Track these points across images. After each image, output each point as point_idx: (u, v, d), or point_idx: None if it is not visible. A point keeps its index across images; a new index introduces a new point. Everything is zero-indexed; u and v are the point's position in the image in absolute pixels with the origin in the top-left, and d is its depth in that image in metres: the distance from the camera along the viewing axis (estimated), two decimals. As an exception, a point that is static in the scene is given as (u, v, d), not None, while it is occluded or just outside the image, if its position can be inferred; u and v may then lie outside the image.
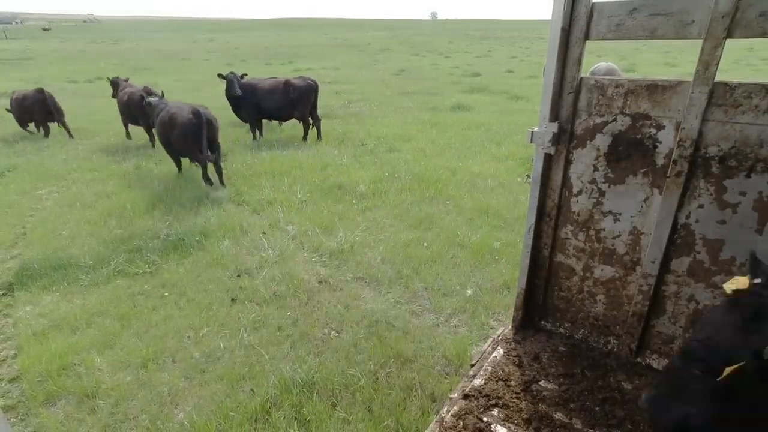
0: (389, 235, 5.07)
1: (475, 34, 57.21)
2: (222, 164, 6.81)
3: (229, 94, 8.84)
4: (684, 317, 2.41)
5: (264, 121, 9.70)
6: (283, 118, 9.34)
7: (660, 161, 2.24)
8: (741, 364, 1.28)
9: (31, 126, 10.35)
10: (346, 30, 71.92)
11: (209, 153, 6.49)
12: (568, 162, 2.51)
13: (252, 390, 2.96)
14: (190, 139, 6.36)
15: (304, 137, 9.26)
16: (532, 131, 2.48)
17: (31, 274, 4.44)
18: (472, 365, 2.71)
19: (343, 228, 5.24)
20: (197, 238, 5.01)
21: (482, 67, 22.71)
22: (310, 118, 9.24)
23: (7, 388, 3.12)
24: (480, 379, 2.53)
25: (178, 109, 6.62)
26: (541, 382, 2.49)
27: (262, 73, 21.33)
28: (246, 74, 9.27)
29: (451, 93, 14.97)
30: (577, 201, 2.56)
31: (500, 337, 2.91)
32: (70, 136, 9.92)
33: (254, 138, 9.38)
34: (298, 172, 7.16)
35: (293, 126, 10.39)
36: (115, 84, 9.92)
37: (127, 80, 10.05)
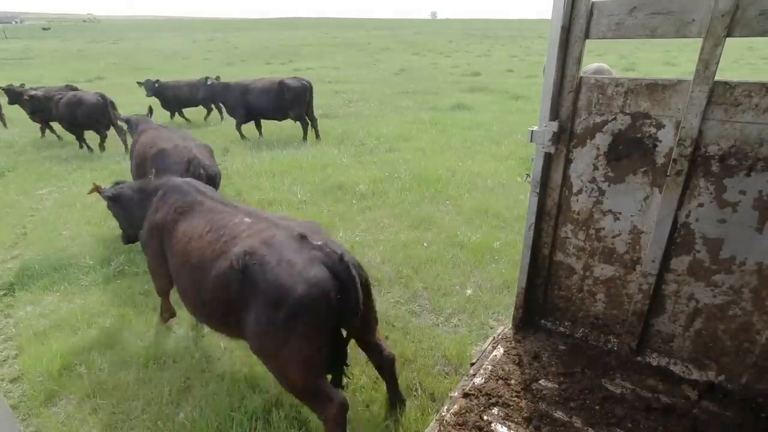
0: (389, 235, 5.07)
1: (476, 34, 57.19)
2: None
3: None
4: (684, 316, 2.41)
5: (267, 123, 9.77)
6: (277, 118, 9.48)
7: (660, 160, 2.24)
8: None
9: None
10: (346, 29, 71.95)
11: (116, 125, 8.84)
12: (568, 161, 2.51)
13: (252, 390, 2.97)
14: (96, 116, 8.59)
15: (304, 137, 9.30)
16: (532, 130, 2.48)
17: (31, 274, 4.44)
18: (472, 364, 2.71)
19: (343, 228, 5.24)
20: (197, 238, 5.00)
21: (482, 67, 22.71)
22: (307, 119, 9.29)
23: (9, 388, 3.12)
24: (480, 378, 2.53)
25: (84, 93, 8.82)
26: (541, 381, 2.49)
27: (262, 72, 21.31)
28: (158, 80, 10.70)
29: (451, 92, 14.97)
30: (577, 200, 2.56)
31: (500, 336, 2.91)
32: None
33: (242, 137, 9.53)
34: (298, 172, 7.17)
35: (293, 126, 10.39)
36: (11, 92, 9.94)
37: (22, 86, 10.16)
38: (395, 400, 2.77)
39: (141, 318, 3.77)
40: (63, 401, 2.99)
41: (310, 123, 9.37)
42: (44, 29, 79.22)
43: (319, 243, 2.28)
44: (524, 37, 50.70)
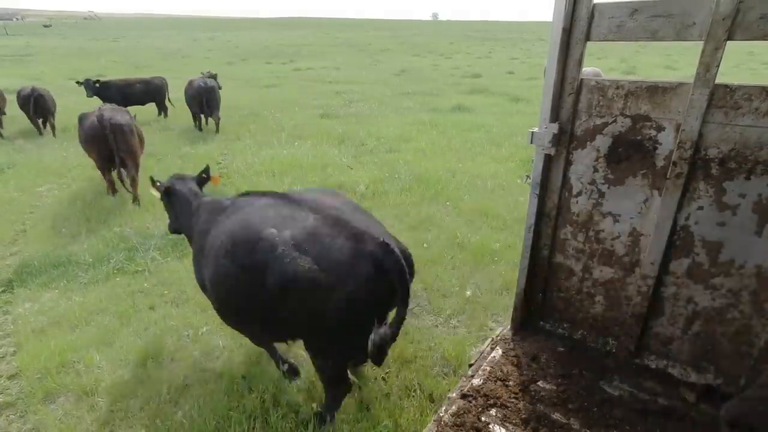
0: (389, 235, 5.07)
1: (476, 35, 57.24)
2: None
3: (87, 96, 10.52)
4: (683, 319, 2.41)
5: (267, 123, 9.87)
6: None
7: (660, 163, 2.25)
8: None
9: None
10: (346, 30, 71.97)
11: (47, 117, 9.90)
12: (568, 163, 2.52)
13: (250, 389, 2.96)
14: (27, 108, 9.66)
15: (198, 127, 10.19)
16: (533, 132, 2.48)
17: (30, 271, 4.44)
18: (471, 365, 2.71)
19: (342, 227, 5.23)
20: (197, 237, 5.01)
21: (483, 69, 22.72)
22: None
23: (6, 385, 3.12)
24: (478, 379, 2.53)
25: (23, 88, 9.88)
26: (540, 383, 2.49)
27: (263, 71, 21.30)
28: (98, 80, 10.57)
29: (452, 94, 14.98)
30: (577, 202, 2.56)
31: (499, 337, 2.91)
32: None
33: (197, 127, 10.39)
34: (298, 172, 7.16)
35: (295, 126, 10.40)
36: None
37: None
38: None
39: (140, 316, 3.76)
40: (61, 398, 2.99)
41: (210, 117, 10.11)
42: (45, 26, 79.12)
43: None
44: (525, 39, 50.77)
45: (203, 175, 3.34)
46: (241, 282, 2.22)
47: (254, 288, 2.17)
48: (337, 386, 2.43)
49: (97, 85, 10.54)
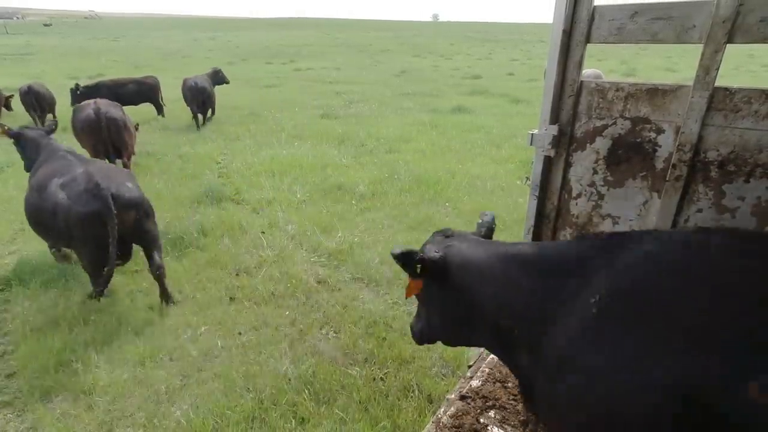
0: (388, 236, 5.07)
1: (476, 36, 57.29)
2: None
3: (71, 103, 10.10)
4: (681, 321, 2.41)
5: (267, 123, 9.86)
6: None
7: (659, 165, 2.24)
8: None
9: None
10: (346, 30, 72.02)
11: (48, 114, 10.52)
12: (567, 165, 2.51)
13: (249, 389, 2.96)
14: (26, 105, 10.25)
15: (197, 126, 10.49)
16: (532, 134, 2.48)
17: (29, 270, 4.42)
18: (470, 366, 2.71)
19: (342, 228, 5.24)
20: (196, 237, 5.00)
21: (483, 70, 22.75)
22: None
23: (4, 384, 3.11)
24: (477, 381, 2.52)
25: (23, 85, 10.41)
26: (539, 384, 2.49)
27: (263, 72, 21.31)
28: (78, 84, 10.33)
29: (452, 95, 14.99)
30: (576, 204, 2.56)
31: (498, 339, 2.91)
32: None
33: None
34: (298, 172, 7.17)
35: (294, 126, 10.41)
36: None
37: None
38: None
39: (138, 315, 3.76)
40: (59, 398, 2.98)
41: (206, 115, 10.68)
42: (45, 25, 79.05)
43: None
44: (525, 40, 50.83)
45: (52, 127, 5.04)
46: (38, 209, 3.62)
47: (44, 213, 3.55)
48: (93, 279, 3.70)
49: (78, 92, 9.97)
